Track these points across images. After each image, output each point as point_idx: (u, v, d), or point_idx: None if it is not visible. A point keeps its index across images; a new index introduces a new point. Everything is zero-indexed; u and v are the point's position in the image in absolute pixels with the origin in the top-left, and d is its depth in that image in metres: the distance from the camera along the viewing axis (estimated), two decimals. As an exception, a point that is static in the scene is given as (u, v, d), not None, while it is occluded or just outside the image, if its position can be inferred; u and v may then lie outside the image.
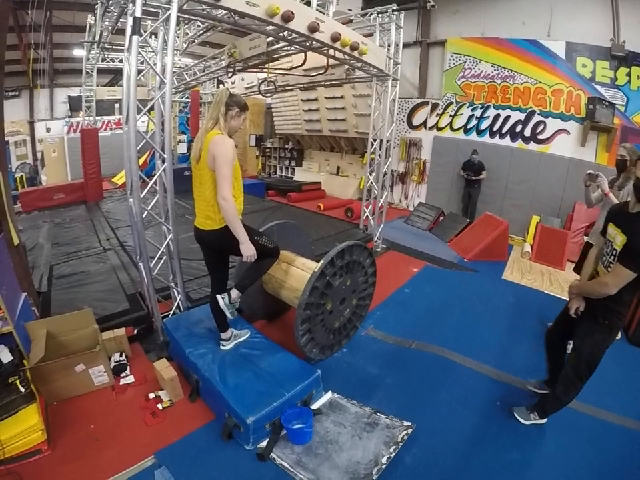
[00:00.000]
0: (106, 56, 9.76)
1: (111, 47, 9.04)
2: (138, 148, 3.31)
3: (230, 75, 6.57)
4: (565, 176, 8.07)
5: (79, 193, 9.72)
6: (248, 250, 2.80)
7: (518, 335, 4.43)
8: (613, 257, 2.34)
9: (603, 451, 2.83)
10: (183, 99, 12.55)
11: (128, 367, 3.50)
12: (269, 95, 8.77)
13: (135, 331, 3.92)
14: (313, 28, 4.19)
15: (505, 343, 4.24)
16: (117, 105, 14.50)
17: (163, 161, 3.46)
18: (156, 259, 3.87)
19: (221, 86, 12.18)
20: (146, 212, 3.54)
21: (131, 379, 3.39)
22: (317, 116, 11.24)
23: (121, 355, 3.57)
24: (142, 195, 3.45)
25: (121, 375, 3.41)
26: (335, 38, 4.53)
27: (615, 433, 3.00)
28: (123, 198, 9.35)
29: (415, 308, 4.96)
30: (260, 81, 8.36)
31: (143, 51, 3.27)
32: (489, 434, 2.96)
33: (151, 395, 3.18)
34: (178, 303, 3.99)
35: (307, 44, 4.77)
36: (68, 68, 13.56)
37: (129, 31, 3.17)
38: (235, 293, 3.15)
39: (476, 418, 3.12)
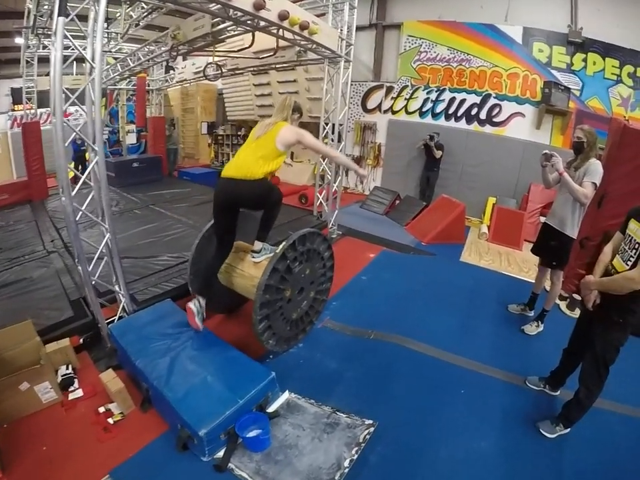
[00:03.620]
0: (48, 44, 9.09)
1: (51, 33, 8.39)
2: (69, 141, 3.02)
3: (173, 59, 6.19)
4: (520, 158, 8.21)
5: (24, 191, 8.94)
6: (362, 170, 3.72)
7: (479, 318, 4.41)
8: (634, 251, 2.33)
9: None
10: (130, 87, 11.84)
11: (76, 380, 3.24)
12: (215, 79, 8.43)
13: (81, 340, 3.65)
14: (259, 5, 3.92)
15: (466, 328, 4.20)
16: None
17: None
18: (95, 259, 3.55)
19: (171, 71, 11.65)
20: (80, 212, 3.25)
21: (79, 392, 3.14)
22: (269, 101, 10.90)
23: (67, 368, 3.29)
24: (74, 193, 3.14)
25: (69, 389, 3.15)
26: (283, 16, 4.28)
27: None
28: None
29: (373, 296, 4.84)
30: (207, 64, 8.00)
31: (73, 33, 2.96)
32: (456, 424, 2.90)
33: (101, 409, 2.95)
34: (123, 307, 3.73)
35: (254, 23, 4.50)
36: (11, 57, 12.49)
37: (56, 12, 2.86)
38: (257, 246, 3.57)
39: (440, 408, 3.05)
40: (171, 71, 11.82)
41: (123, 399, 2.93)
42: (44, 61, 9.89)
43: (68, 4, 2.84)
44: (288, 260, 3.31)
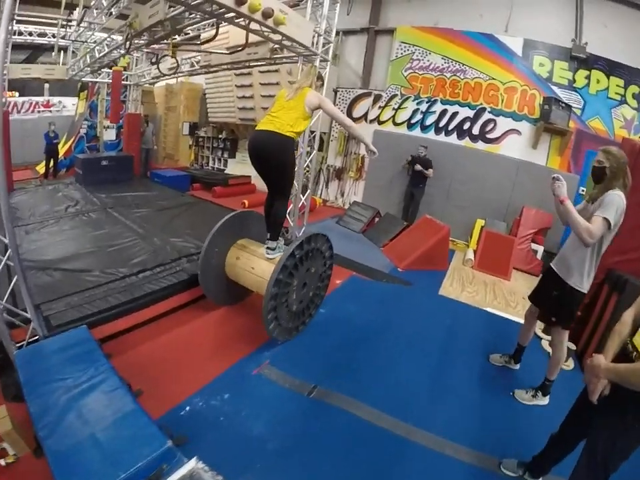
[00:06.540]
0: (23, 30, 8.54)
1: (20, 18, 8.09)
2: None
3: (128, 49, 5.49)
4: (513, 178, 7.72)
5: (-11, 186, 8.39)
6: (373, 147, 3.82)
7: (453, 372, 3.69)
8: None
9: None
10: (107, 80, 11.01)
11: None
12: (171, 73, 7.90)
13: (-11, 364, 3.13)
14: (209, -15, 3.30)
15: (436, 386, 3.46)
16: (46, 85, 13.69)
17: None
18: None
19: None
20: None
21: (-22, 423, 2.72)
22: (251, 103, 10.21)
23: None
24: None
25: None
26: (240, 1, 3.65)
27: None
28: (34, 190, 8.61)
29: (328, 336, 4.07)
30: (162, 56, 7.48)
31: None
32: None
33: (-4, 448, 2.55)
34: (31, 331, 3.18)
35: (206, 7, 3.86)
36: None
37: None
38: (272, 244, 3.98)
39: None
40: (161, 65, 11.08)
41: (13, 441, 2.58)
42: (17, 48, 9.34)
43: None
44: (295, 258, 3.71)
